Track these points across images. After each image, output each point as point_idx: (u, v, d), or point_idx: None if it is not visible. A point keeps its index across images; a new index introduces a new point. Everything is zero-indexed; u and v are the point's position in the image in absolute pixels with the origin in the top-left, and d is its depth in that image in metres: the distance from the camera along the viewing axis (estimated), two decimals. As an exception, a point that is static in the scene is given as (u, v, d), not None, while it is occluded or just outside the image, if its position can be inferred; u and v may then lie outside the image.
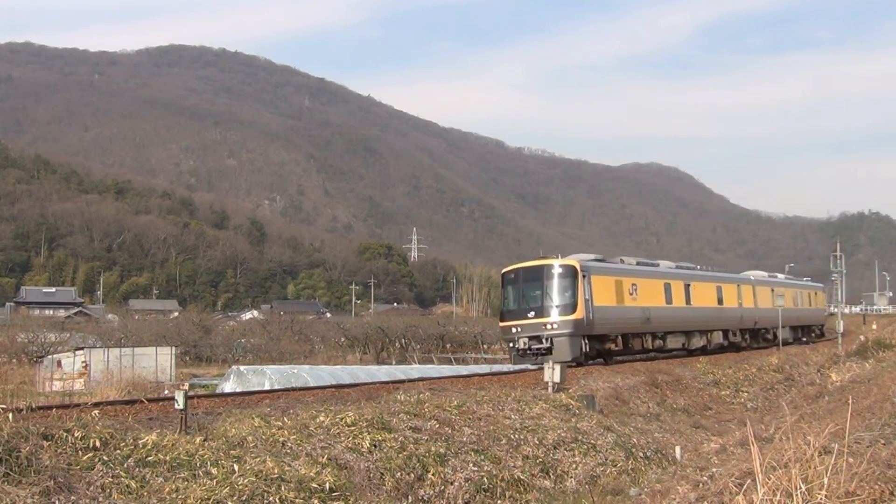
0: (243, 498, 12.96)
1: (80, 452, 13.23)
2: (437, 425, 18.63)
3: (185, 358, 63.30)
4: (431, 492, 16.10)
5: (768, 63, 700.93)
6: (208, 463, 13.80)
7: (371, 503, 14.77)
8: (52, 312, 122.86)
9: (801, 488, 8.02)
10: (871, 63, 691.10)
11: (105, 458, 13.24)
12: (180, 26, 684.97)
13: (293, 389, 24.75)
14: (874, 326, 65.44)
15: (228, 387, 34.56)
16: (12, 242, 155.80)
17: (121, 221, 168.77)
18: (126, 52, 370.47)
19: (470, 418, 19.86)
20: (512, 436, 19.70)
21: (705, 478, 10.93)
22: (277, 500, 13.22)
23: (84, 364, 48.78)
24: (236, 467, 13.80)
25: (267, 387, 28.86)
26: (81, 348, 54.11)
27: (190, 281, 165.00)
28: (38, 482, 11.88)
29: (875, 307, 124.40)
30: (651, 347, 37.18)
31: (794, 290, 54.75)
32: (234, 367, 39.74)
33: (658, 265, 40.74)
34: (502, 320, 34.17)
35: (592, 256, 36.37)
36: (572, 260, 33.40)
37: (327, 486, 14.16)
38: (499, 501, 16.93)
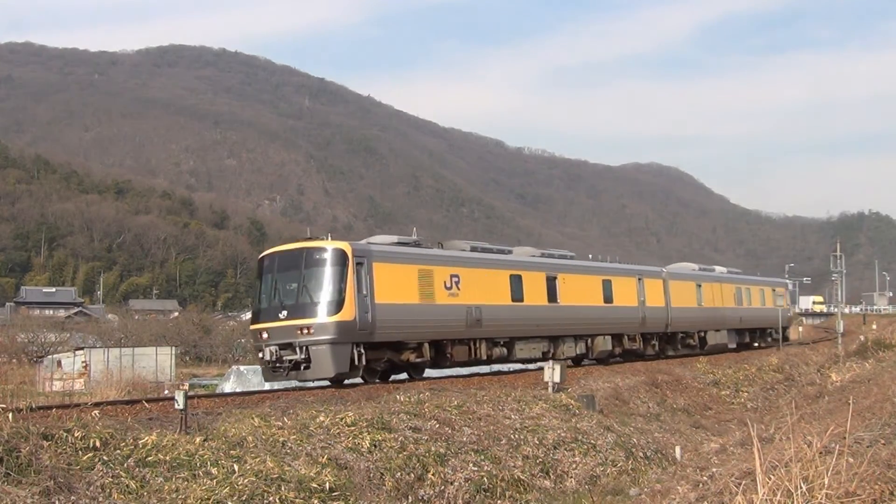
0: (243, 498, 12.95)
1: (80, 452, 13.23)
2: (437, 425, 18.63)
3: (185, 358, 63.38)
4: (431, 492, 16.09)
5: (769, 63, 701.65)
6: (208, 463, 13.79)
7: (371, 503, 14.77)
8: (52, 312, 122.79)
9: (801, 488, 8.02)
10: (872, 63, 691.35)
11: (105, 458, 13.24)
12: (180, 26, 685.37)
13: (293, 389, 24.73)
14: (874, 326, 65.46)
15: (228, 387, 34.63)
16: (12, 242, 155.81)
17: (121, 221, 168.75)
18: (126, 52, 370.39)
19: (470, 418, 19.86)
20: (512, 436, 19.70)
21: (705, 478, 10.93)
22: (277, 500, 13.22)
23: (84, 364, 48.84)
24: (236, 467, 13.80)
25: (267, 387, 28.84)
26: (81, 348, 54.19)
27: (190, 281, 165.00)
28: (38, 482, 11.88)
29: (875, 307, 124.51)
30: (486, 356, 29.18)
31: (736, 286, 46.69)
32: (234, 367, 39.80)
33: (510, 252, 32.57)
34: (252, 322, 26.77)
35: (394, 238, 28.60)
36: (342, 243, 25.91)
37: (327, 486, 14.16)
38: (499, 501, 16.93)
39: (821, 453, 8.56)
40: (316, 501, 13.73)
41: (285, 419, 16.88)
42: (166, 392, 25.13)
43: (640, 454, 21.48)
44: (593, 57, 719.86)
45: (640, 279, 38.21)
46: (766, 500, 8.13)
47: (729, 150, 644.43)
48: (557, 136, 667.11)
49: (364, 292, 24.75)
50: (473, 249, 30.31)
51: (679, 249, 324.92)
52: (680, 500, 10.48)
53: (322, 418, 17.24)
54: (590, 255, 41.27)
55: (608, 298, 35.62)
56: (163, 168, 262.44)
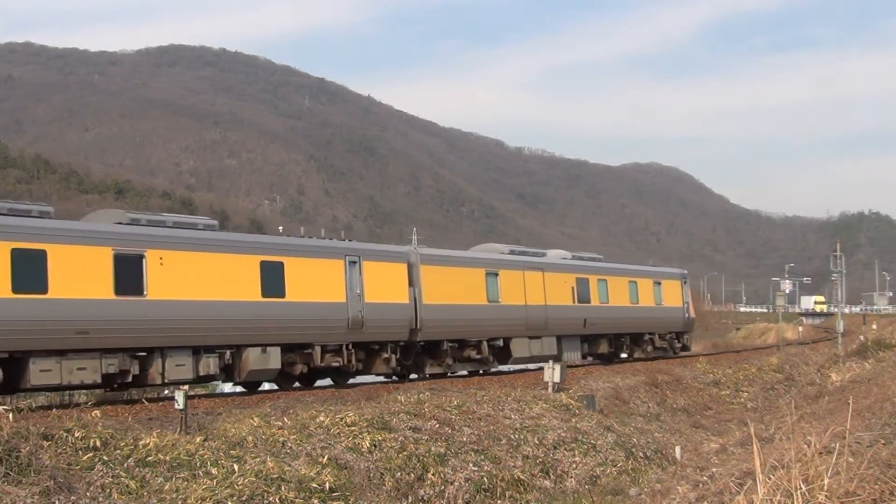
0: (243, 498, 12.96)
1: (80, 452, 13.24)
2: (437, 425, 18.63)
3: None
4: (431, 492, 16.10)
5: (770, 63, 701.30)
6: (208, 463, 13.80)
7: (371, 503, 14.77)
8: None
9: (801, 488, 8.01)
10: (873, 62, 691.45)
11: (105, 458, 13.25)
12: (180, 26, 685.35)
13: (293, 389, 24.72)
14: (874, 326, 65.45)
15: (228, 387, 34.47)
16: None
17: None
18: (126, 52, 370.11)
19: (470, 418, 19.86)
20: (512, 436, 19.70)
21: (705, 478, 10.94)
22: (277, 500, 13.23)
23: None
24: (236, 467, 13.81)
25: (267, 387, 28.82)
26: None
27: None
28: (38, 482, 11.88)
29: (875, 307, 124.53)
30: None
31: (617, 278, 38.00)
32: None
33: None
34: None
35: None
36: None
37: (327, 486, 14.17)
38: (499, 501, 16.93)
39: (821, 453, 8.55)
40: (316, 501, 13.74)
41: (285, 419, 16.89)
42: (166, 392, 25.16)
43: (640, 454, 21.50)
44: (593, 57, 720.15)
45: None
46: (766, 500, 8.13)
47: (729, 150, 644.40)
48: (557, 136, 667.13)
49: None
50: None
51: (679, 249, 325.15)
52: (680, 500, 10.49)
53: (322, 418, 17.24)
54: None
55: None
56: (163, 168, 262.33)
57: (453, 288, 28.73)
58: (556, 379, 24.93)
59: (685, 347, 42.88)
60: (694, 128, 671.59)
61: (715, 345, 58.84)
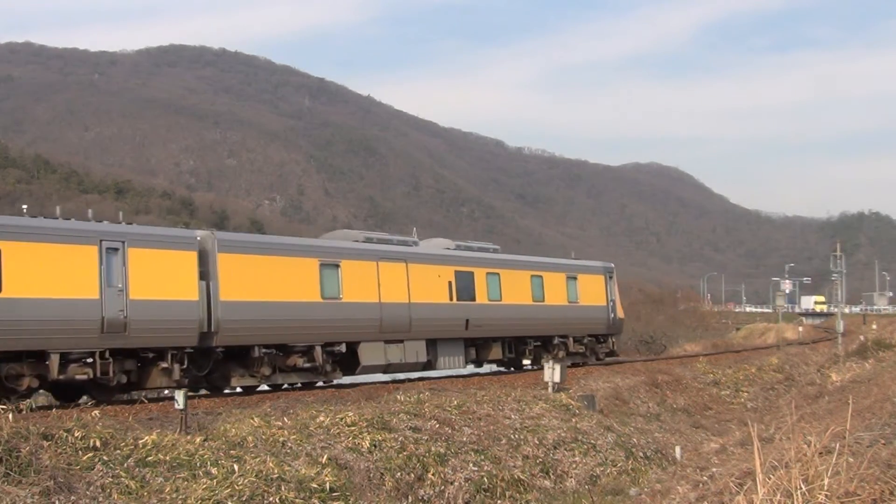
0: (243, 498, 12.96)
1: (80, 452, 13.24)
2: (437, 425, 18.63)
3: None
4: (431, 492, 16.11)
5: (771, 62, 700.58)
6: (208, 463, 13.81)
7: (371, 503, 14.77)
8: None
9: (801, 488, 8.01)
10: (873, 62, 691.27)
11: (105, 458, 13.25)
12: (180, 26, 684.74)
13: (293, 389, 24.73)
14: (874, 326, 65.45)
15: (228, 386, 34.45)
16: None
17: (120, 221, 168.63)
18: (126, 52, 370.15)
19: (470, 418, 19.87)
20: (512, 436, 19.71)
21: (705, 478, 10.94)
22: (277, 500, 13.24)
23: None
24: (236, 467, 13.81)
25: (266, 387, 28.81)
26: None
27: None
28: (38, 482, 11.88)
29: (875, 307, 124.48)
30: None
31: (515, 272, 32.50)
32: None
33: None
34: None
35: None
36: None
37: (327, 486, 14.17)
38: (499, 501, 16.94)
39: (821, 453, 8.55)
40: (316, 501, 13.74)
41: (285, 419, 16.89)
42: (166, 392, 25.15)
43: (640, 454, 21.51)
44: (593, 57, 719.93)
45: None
46: (766, 500, 8.13)
47: (729, 150, 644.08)
48: (557, 136, 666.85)
49: None
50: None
51: (679, 249, 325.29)
52: (680, 500, 10.49)
53: (322, 418, 17.25)
54: None
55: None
56: (163, 168, 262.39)
57: (268, 281, 23.64)
58: (556, 379, 24.94)
59: (612, 353, 36.92)
60: (694, 128, 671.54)
61: (715, 345, 58.82)
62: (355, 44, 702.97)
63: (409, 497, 15.71)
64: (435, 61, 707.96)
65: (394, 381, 27.38)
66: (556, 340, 33.54)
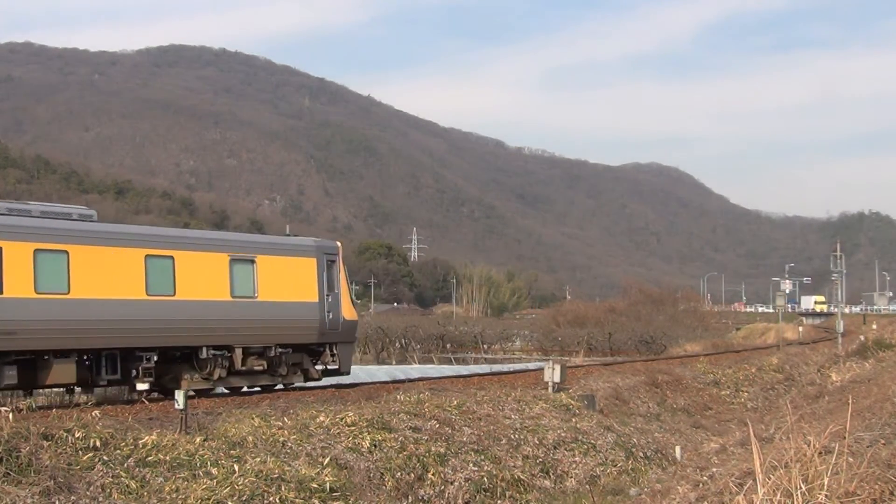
0: (243, 498, 12.97)
1: (80, 452, 13.25)
2: (437, 425, 18.64)
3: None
4: (431, 492, 16.11)
5: (771, 62, 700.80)
6: (208, 463, 13.82)
7: (371, 503, 14.78)
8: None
9: (801, 488, 8.01)
10: (873, 62, 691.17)
11: (105, 458, 13.26)
12: (180, 26, 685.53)
13: (293, 389, 24.74)
14: (874, 326, 65.44)
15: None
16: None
17: (121, 221, 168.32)
18: (126, 52, 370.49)
19: (470, 418, 19.87)
20: (512, 436, 19.71)
21: (705, 478, 10.94)
22: (277, 500, 13.24)
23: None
24: (236, 467, 13.82)
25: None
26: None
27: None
28: (38, 482, 11.90)
29: (875, 307, 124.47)
30: None
31: (106, 250, 20.63)
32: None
33: None
34: None
35: None
36: None
37: (327, 486, 14.18)
38: (499, 501, 16.95)
39: (821, 453, 8.56)
40: (316, 501, 13.75)
41: (285, 419, 16.90)
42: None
43: (640, 454, 21.51)
44: (594, 57, 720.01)
45: None
46: (766, 500, 8.13)
47: (729, 150, 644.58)
48: (557, 136, 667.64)
49: None
50: None
51: (679, 249, 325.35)
52: (680, 500, 10.49)
53: (322, 418, 17.26)
54: None
55: None
56: (163, 168, 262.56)
57: None
58: (557, 379, 24.95)
59: (338, 371, 25.35)
60: (694, 128, 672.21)
61: (715, 345, 58.84)
62: (355, 44, 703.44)
63: (410, 497, 15.72)
64: (435, 61, 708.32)
65: (394, 381, 27.40)
66: (205, 353, 22.08)
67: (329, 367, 25.07)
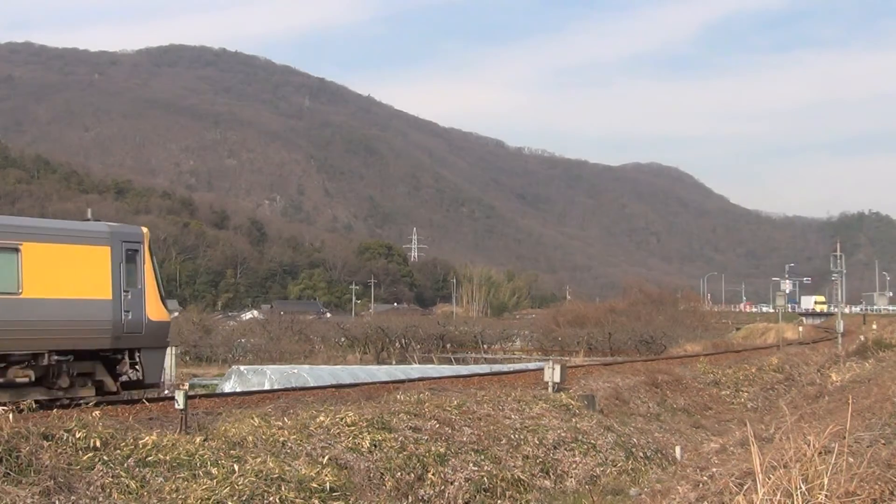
0: (243, 498, 12.97)
1: (80, 452, 13.26)
2: (437, 425, 18.64)
3: (185, 358, 63.25)
4: (431, 492, 16.11)
5: (771, 62, 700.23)
6: (208, 463, 13.82)
7: (371, 503, 14.78)
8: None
9: (801, 488, 8.02)
10: (873, 62, 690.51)
11: (105, 458, 13.27)
12: (180, 26, 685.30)
13: (293, 389, 24.76)
14: (874, 326, 65.44)
15: (228, 387, 34.57)
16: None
17: (121, 221, 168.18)
18: (126, 52, 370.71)
19: (470, 418, 19.87)
20: (512, 436, 19.71)
21: (705, 478, 10.93)
22: (277, 500, 13.24)
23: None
24: (236, 467, 13.82)
25: (267, 387, 28.87)
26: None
27: (190, 281, 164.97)
28: (38, 482, 11.90)
29: (875, 307, 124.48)
30: None
31: None
32: (234, 366, 39.69)
33: None
34: None
35: None
36: None
37: (327, 486, 14.18)
38: (499, 501, 16.94)
39: (820, 453, 8.56)
40: (316, 501, 13.75)
41: (285, 419, 16.90)
42: (166, 392, 25.12)
43: (640, 454, 21.51)
44: (594, 57, 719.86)
45: None
46: (766, 500, 8.14)
47: (729, 150, 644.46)
48: (557, 136, 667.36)
49: None
50: None
51: (679, 249, 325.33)
52: (680, 500, 10.49)
53: (322, 418, 17.26)
54: None
55: None
56: (163, 168, 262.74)
57: None
58: (557, 379, 24.95)
59: (140, 383, 20.73)
60: (694, 128, 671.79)
61: (715, 345, 58.85)
62: (355, 44, 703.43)
63: (409, 497, 15.72)
64: (435, 61, 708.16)
65: (394, 381, 27.42)
66: None
67: (130, 377, 20.38)
